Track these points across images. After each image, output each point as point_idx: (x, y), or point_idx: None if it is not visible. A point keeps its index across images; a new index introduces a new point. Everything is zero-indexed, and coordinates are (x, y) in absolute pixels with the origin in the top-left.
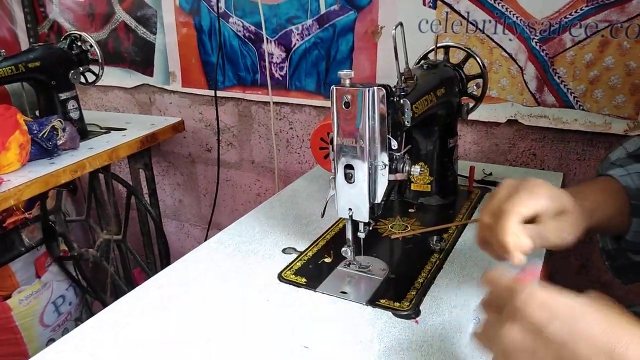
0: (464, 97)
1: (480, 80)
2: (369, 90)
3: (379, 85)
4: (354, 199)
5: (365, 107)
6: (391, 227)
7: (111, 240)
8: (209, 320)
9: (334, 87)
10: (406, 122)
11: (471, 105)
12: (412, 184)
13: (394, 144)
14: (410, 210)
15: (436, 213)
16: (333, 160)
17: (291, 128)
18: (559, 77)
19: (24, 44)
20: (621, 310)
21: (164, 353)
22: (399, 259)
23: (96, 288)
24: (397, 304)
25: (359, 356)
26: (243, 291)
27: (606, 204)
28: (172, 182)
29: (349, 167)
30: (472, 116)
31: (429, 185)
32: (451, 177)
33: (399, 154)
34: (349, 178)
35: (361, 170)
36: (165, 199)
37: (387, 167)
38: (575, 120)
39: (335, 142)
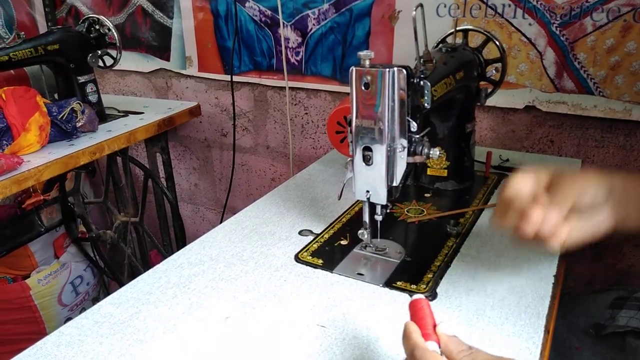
0: (483, 82)
1: (499, 65)
2: (389, 71)
3: (400, 66)
4: (371, 181)
5: (385, 89)
6: (407, 211)
7: (128, 222)
8: (227, 299)
9: (354, 68)
10: (426, 105)
11: (489, 90)
12: (428, 169)
13: (414, 126)
14: (426, 195)
15: (452, 198)
16: (351, 142)
17: (306, 113)
18: (578, 63)
19: (42, 28)
20: None
21: (182, 330)
22: (415, 242)
23: (113, 269)
24: (414, 287)
25: (375, 336)
26: (260, 271)
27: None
28: (188, 166)
29: (367, 149)
30: (489, 102)
31: (446, 170)
32: (468, 162)
33: (417, 136)
34: (367, 160)
35: (380, 152)
36: (181, 182)
37: (406, 150)
38: (595, 106)
39: (353, 124)
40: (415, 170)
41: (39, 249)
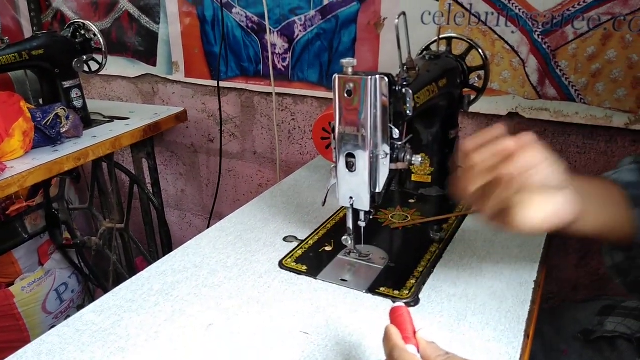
0: (466, 89)
1: (482, 72)
2: (371, 79)
3: (382, 74)
4: (355, 187)
5: (367, 96)
6: (391, 217)
7: (114, 228)
8: (209, 306)
9: (337, 76)
10: (408, 112)
11: (473, 97)
12: (412, 175)
13: (396, 133)
14: (410, 200)
15: (436, 204)
16: (335, 148)
17: (293, 119)
18: (560, 70)
19: (28, 33)
20: None
21: (166, 337)
22: (399, 248)
23: (99, 276)
24: (397, 292)
25: (358, 342)
26: (244, 278)
27: (603, 198)
28: (174, 172)
29: (350, 155)
30: (473, 109)
31: (430, 176)
32: (451, 167)
33: (400, 143)
34: (350, 167)
35: (362, 159)
36: (167, 188)
37: (389, 156)
38: (577, 113)
39: (337, 131)
40: (400, 177)
41: (23, 255)
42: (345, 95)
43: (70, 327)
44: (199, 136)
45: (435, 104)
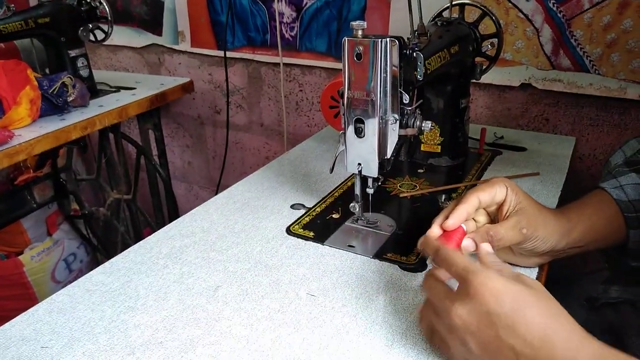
0: (478, 58)
1: (495, 40)
2: (381, 42)
3: (393, 37)
4: (363, 154)
5: (377, 59)
6: (400, 186)
7: (121, 199)
8: (217, 269)
9: (346, 39)
10: (419, 77)
11: (485, 66)
12: (422, 145)
13: (406, 99)
14: (419, 170)
15: (445, 174)
16: (343, 114)
17: (301, 90)
18: (575, 40)
19: (33, 1)
20: (562, 309)
21: (175, 298)
22: (407, 216)
23: (107, 246)
24: (404, 258)
25: (365, 305)
26: (251, 243)
27: (598, 217)
28: (181, 143)
29: (359, 121)
30: (485, 79)
31: (439, 146)
32: (461, 138)
33: (410, 108)
34: (359, 132)
35: (371, 124)
36: (174, 160)
37: (398, 122)
38: (590, 84)
39: (345, 96)
40: (409, 147)
41: (32, 225)
42: (355, 58)
43: (81, 287)
44: (206, 107)
45: (447, 71)
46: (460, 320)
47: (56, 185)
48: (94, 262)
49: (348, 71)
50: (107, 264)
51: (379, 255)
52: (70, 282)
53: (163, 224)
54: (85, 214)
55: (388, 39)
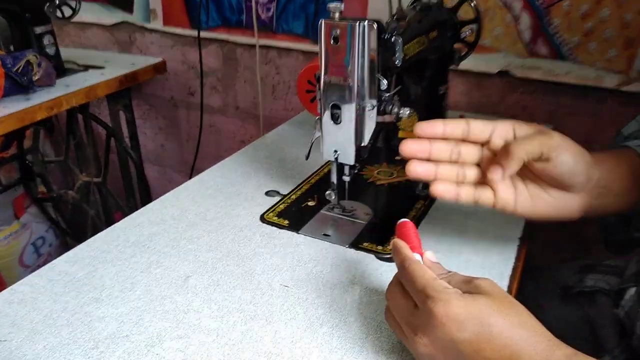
0: (457, 44)
1: (474, 26)
2: (359, 25)
3: (371, 20)
4: (340, 140)
5: (355, 43)
6: (377, 173)
7: (91, 182)
8: (188, 258)
9: (323, 21)
10: (397, 62)
11: (463, 52)
12: (400, 131)
13: (384, 85)
14: (397, 157)
15: None
16: (319, 100)
17: (277, 73)
18: (553, 28)
19: None
20: (525, 310)
21: (142, 288)
22: (383, 204)
23: (76, 230)
24: (380, 247)
25: (340, 296)
26: (223, 231)
27: (621, 167)
28: (153, 126)
29: (335, 107)
30: (463, 66)
31: None
32: None
33: (388, 94)
34: (335, 118)
35: (348, 110)
36: (146, 143)
37: (375, 108)
38: (568, 72)
39: (322, 81)
40: (386, 133)
41: None
42: (332, 42)
43: (43, 277)
44: (179, 89)
45: (425, 57)
46: (425, 349)
47: (22, 167)
48: (64, 246)
49: (324, 55)
50: (70, 253)
51: (355, 244)
52: (39, 266)
53: (135, 208)
54: (54, 197)
55: (366, 23)
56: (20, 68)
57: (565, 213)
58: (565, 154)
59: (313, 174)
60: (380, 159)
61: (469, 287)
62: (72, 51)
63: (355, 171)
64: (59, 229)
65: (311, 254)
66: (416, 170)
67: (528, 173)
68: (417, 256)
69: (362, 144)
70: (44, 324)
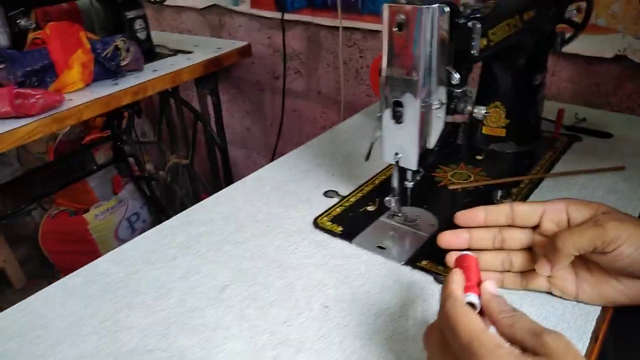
0: (560, 25)
1: (583, 3)
2: (428, 9)
3: (443, 3)
4: (402, 142)
5: (422, 31)
6: (451, 175)
7: (179, 164)
8: (229, 265)
9: (386, 5)
10: (473, 52)
11: (569, 35)
12: (484, 127)
13: (455, 79)
14: (478, 157)
15: (509, 162)
16: (381, 95)
17: (361, 56)
18: None
19: None
20: None
21: (176, 297)
22: (453, 214)
23: (167, 209)
24: (441, 268)
25: (383, 327)
26: (271, 236)
27: None
28: (240, 109)
29: (397, 104)
30: (570, 48)
31: (504, 129)
32: (533, 120)
33: (459, 90)
34: (397, 117)
35: (412, 108)
36: (234, 126)
37: (444, 106)
38: None
39: (384, 73)
40: (470, 128)
41: (97, 185)
42: (396, 29)
43: (82, 276)
44: (264, 73)
45: (518, 41)
46: None
47: (115, 148)
48: (157, 223)
49: (388, 44)
50: (117, 251)
51: (412, 261)
52: None
53: (219, 189)
54: (145, 177)
55: (437, 6)
56: (109, 53)
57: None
58: (624, 247)
59: (379, 173)
60: (457, 159)
61: (535, 342)
62: (167, 35)
63: (419, 177)
64: (153, 205)
65: (361, 270)
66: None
67: (591, 259)
68: (472, 297)
69: (428, 147)
70: (69, 332)
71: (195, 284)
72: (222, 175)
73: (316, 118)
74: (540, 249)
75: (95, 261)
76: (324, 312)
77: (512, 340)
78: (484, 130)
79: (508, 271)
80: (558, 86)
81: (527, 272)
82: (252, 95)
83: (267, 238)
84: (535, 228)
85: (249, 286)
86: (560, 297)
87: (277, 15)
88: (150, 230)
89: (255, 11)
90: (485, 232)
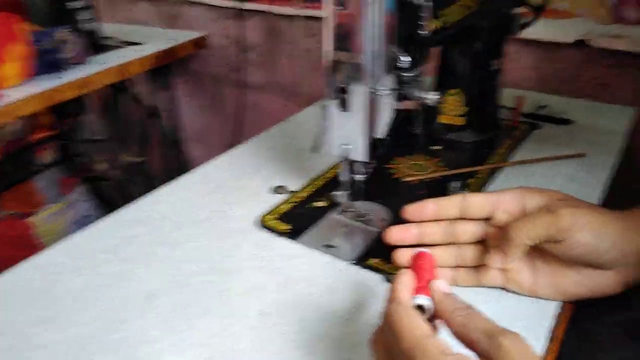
0: (519, 8)
1: None
2: None
3: None
4: (349, 131)
5: (366, 8)
6: (407, 167)
7: (133, 162)
8: (161, 269)
9: None
10: (421, 32)
11: (528, 19)
12: (441, 116)
13: (404, 62)
14: (435, 147)
15: (468, 152)
16: (327, 80)
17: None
18: None
19: None
20: None
21: (97, 310)
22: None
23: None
24: (391, 266)
25: (328, 331)
26: (211, 236)
27: None
28: (199, 104)
29: (343, 90)
30: (530, 34)
31: (463, 118)
32: (491, 108)
33: (409, 75)
34: (343, 104)
35: (358, 94)
36: (192, 121)
37: (393, 93)
38: None
39: (328, 57)
40: (426, 117)
41: (45, 186)
42: (336, 6)
43: None
44: (223, 65)
45: (474, 24)
46: None
47: (62, 146)
48: None
49: (331, 24)
50: (38, 257)
51: (361, 260)
52: None
53: None
54: (96, 177)
55: None
56: (52, 45)
57: (599, 291)
58: (580, 234)
59: (332, 167)
60: (413, 149)
61: (489, 344)
62: (118, 27)
63: (370, 169)
64: (106, 207)
65: (305, 271)
66: (404, 258)
67: (546, 250)
68: (421, 299)
69: (378, 136)
70: None
71: (121, 293)
72: (180, 173)
73: (278, 111)
74: (494, 242)
75: (13, 268)
76: (262, 319)
77: (466, 341)
78: (442, 119)
79: (460, 267)
80: (518, 73)
81: (481, 267)
82: (210, 89)
83: (207, 239)
84: (489, 220)
85: (180, 293)
86: (517, 293)
87: (235, 4)
88: (77, 232)
89: (211, 0)
90: (436, 225)
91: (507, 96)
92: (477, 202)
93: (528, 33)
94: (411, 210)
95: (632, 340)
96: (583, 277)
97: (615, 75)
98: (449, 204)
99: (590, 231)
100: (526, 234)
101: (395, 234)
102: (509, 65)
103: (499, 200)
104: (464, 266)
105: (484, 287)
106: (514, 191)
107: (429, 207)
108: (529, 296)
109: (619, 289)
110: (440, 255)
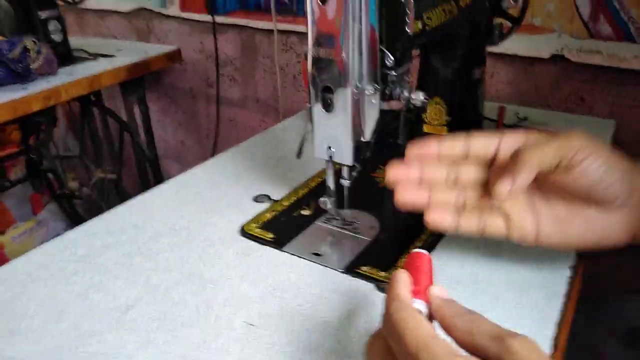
0: (497, 18)
1: None
2: None
3: None
4: (334, 134)
5: (349, 4)
6: None
7: (105, 179)
8: (138, 280)
9: None
10: (407, 29)
11: (506, 30)
12: (424, 125)
13: (390, 60)
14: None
15: None
16: (309, 80)
17: (299, 61)
18: (618, 3)
19: None
20: None
21: (68, 322)
22: (395, 215)
23: None
24: (383, 274)
25: (317, 344)
26: (191, 245)
27: None
28: (173, 120)
29: (327, 90)
30: (508, 49)
31: (445, 127)
32: (474, 117)
33: (395, 74)
34: (327, 105)
35: (342, 95)
36: (167, 138)
37: (379, 92)
38: (635, 57)
39: (310, 54)
40: (410, 128)
41: (15, 204)
42: (319, 3)
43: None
44: (197, 80)
45: (455, 31)
46: None
47: (29, 162)
48: None
49: (311, 21)
50: (6, 267)
51: (351, 268)
52: None
53: None
54: (66, 194)
55: None
56: (17, 55)
57: (606, 239)
58: (591, 158)
59: (315, 175)
60: (399, 160)
61: (499, 348)
62: (88, 40)
63: (356, 173)
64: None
65: (292, 280)
66: (405, 198)
67: (551, 191)
68: (419, 303)
69: (364, 139)
70: None
71: (94, 304)
72: None
73: (254, 127)
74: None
75: None
76: (248, 330)
77: (473, 349)
78: (425, 129)
79: (462, 214)
80: (497, 87)
81: (484, 212)
82: (185, 105)
83: (186, 248)
84: (492, 164)
85: (159, 304)
86: (521, 242)
87: (208, 18)
88: (46, 243)
89: (185, 14)
90: (439, 165)
91: (488, 108)
92: (480, 142)
93: (505, 48)
94: (413, 149)
95: (627, 347)
96: (588, 221)
97: (590, 89)
98: (452, 143)
99: (601, 158)
100: (537, 156)
101: (396, 173)
102: (488, 80)
103: (503, 140)
104: (466, 211)
105: (486, 236)
106: (519, 132)
107: (431, 146)
108: (534, 245)
109: (625, 238)
110: (443, 195)
